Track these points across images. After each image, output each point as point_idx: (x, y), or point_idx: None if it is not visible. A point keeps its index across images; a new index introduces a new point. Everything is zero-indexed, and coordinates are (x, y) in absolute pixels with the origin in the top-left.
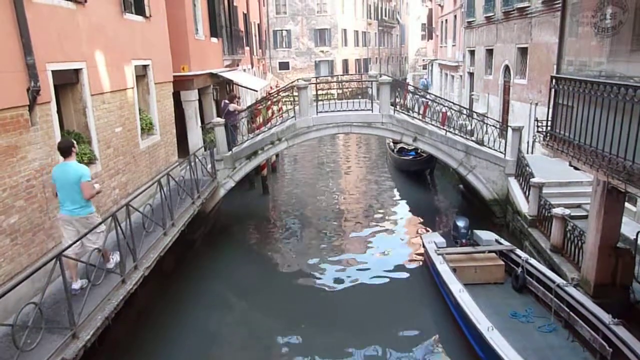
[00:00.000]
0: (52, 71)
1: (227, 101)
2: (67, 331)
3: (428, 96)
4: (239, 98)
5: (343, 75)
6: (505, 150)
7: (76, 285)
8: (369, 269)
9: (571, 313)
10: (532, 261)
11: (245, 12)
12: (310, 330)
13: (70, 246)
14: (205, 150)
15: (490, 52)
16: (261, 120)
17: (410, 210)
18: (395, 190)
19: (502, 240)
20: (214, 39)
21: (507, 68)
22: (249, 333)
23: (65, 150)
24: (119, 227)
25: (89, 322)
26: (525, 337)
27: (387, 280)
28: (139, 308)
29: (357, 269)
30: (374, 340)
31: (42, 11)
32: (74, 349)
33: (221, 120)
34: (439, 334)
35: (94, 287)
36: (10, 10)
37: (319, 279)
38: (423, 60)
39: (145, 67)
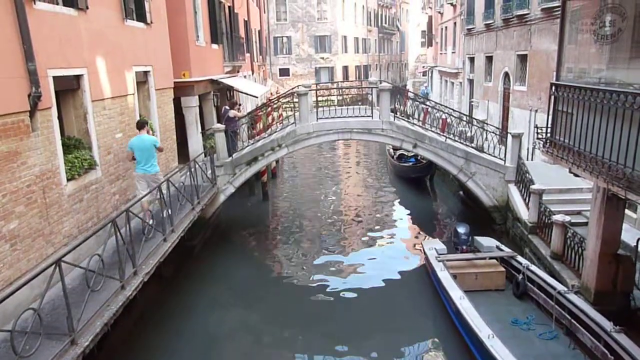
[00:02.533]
0: (53, 77)
1: (227, 107)
2: (66, 337)
3: (428, 103)
4: (239, 104)
5: (343, 81)
6: (505, 156)
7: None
8: (368, 275)
9: (572, 320)
10: (533, 268)
11: (245, 19)
12: (310, 336)
13: (143, 197)
14: (205, 156)
15: (490, 59)
16: (261, 126)
17: (410, 217)
18: (395, 196)
19: (502, 247)
20: (215, 46)
21: (506, 75)
22: (249, 339)
23: (140, 125)
24: (118, 233)
25: (88, 328)
26: (526, 345)
27: (387, 286)
28: (139, 314)
29: (357, 276)
30: (374, 346)
31: (43, 17)
32: (73, 355)
33: (221, 126)
34: (439, 340)
35: (93, 292)
36: (12, 16)
37: (319, 285)
38: (423, 67)
39: (146, 73)
